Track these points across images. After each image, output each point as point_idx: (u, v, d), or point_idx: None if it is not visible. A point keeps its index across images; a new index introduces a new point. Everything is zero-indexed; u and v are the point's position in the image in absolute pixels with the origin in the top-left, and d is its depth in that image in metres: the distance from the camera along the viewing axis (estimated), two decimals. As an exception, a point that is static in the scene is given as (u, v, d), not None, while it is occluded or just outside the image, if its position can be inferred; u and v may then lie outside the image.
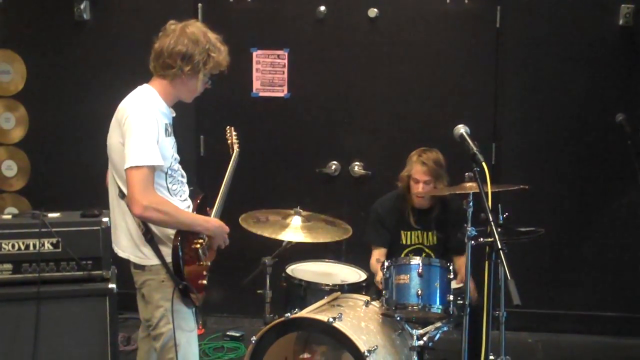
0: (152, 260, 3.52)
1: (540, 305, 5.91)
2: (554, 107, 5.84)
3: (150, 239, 3.50)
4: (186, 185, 3.72)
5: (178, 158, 3.65)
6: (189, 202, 3.69)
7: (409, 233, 4.99)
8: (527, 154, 5.93)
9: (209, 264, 3.72)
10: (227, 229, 3.72)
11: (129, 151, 3.35)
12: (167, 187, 3.54)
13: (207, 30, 3.60)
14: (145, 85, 3.59)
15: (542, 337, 5.95)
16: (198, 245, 3.61)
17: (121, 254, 3.63)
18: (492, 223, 3.40)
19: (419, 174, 4.81)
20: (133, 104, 3.45)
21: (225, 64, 3.63)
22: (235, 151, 4.30)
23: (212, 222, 3.68)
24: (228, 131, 4.40)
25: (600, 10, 5.68)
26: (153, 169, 3.39)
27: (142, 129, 3.37)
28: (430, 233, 4.96)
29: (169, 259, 3.50)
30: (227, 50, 3.64)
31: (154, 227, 3.50)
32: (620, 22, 5.62)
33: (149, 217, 3.39)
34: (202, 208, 3.76)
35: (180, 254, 3.46)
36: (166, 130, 3.52)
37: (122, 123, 3.42)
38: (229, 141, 4.36)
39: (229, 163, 4.17)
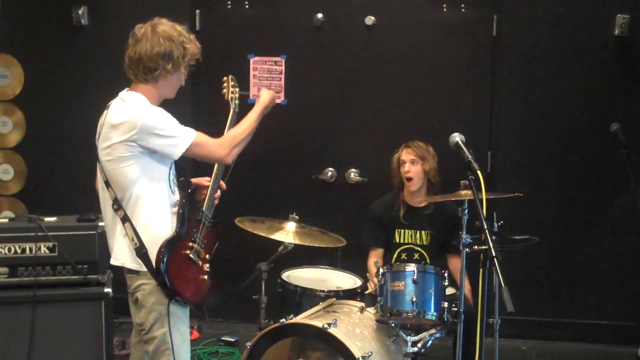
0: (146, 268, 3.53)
1: (534, 312, 5.93)
2: (549, 116, 5.87)
3: (144, 254, 3.50)
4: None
5: None
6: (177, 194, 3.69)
7: (401, 231, 5.04)
8: (523, 163, 5.95)
9: (207, 257, 3.74)
10: (272, 92, 4.04)
11: (174, 141, 3.47)
12: (169, 181, 3.60)
13: (174, 23, 3.63)
14: (129, 92, 3.59)
15: (536, 344, 5.96)
16: (188, 251, 3.63)
17: (113, 261, 3.60)
18: (486, 231, 3.42)
19: (404, 154, 5.01)
20: (138, 110, 3.45)
21: (199, 52, 3.68)
22: (232, 108, 4.07)
23: (267, 99, 3.96)
24: (225, 82, 4.12)
25: (597, 20, 5.71)
26: (196, 133, 3.56)
27: (164, 120, 3.47)
28: (423, 232, 5.00)
29: None
30: (194, 38, 3.69)
31: (147, 242, 3.50)
32: (616, 32, 5.64)
33: (236, 155, 3.72)
34: (192, 198, 3.74)
35: (164, 268, 3.45)
36: None
37: (132, 133, 3.40)
38: (227, 96, 4.09)
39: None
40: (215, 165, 3.90)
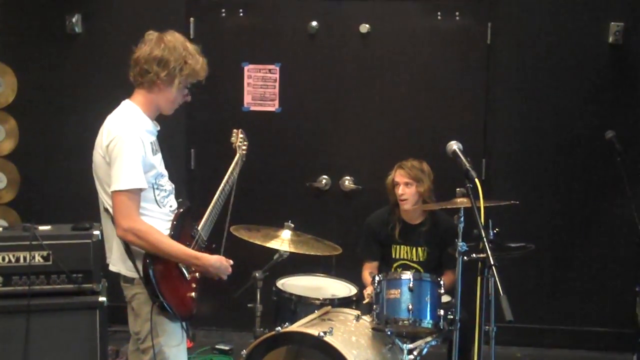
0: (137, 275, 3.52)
1: (529, 320, 5.91)
2: (544, 124, 5.88)
3: (130, 255, 3.49)
4: (173, 196, 3.72)
5: (165, 174, 3.67)
6: (166, 208, 3.66)
7: (398, 247, 5.04)
8: (517, 170, 5.96)
9: (196, 276, 3.71)
10: (226, 263, 3.70)
11: (114, 175, 3.39)
12: (155, 199, 3.56)
13: (186, 40, 3.62)
14: (127, 101, 3.60)
15: (531, 351, 5.97)
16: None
17: (112, 267, 3.62)
18: (484, 239, 3.41)
19: (398, 176, 4.96)
20: (119, 126, 3.45)
21: (203, 74, 3.64)
22: (237, 154, 4.21)
23: (203, 259, 3.61)
24: (234, 134, 4.28)
25: (591, 28, 5.73)
26: (138, 191, 3.42)
27: (127, 152, 3.39)
28: (419, 249, 5.00)
29: None
30: (206, 62, 3.64)
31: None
32: (610, 40, 5.67)
33: (130, 241, 3.43)
34: (183, 220, 3.71)
35: (151, 271, 3.44)
36: (152, 149, 3.55)
37: (107, 144, 3.43)
38: (234, 145, 4.25)
39: (223, 175, 4.07)
40: (218, 190, 3.95)
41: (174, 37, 3.58)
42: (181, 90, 3.61)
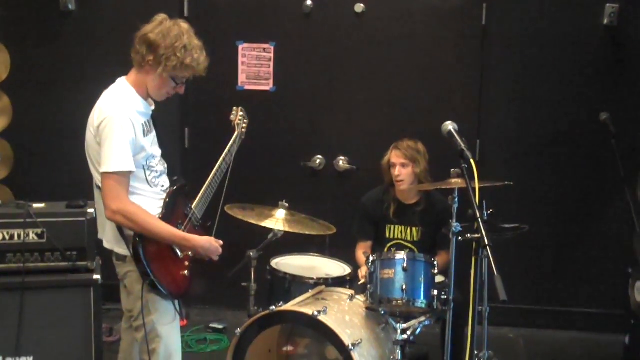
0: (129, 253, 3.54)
1: (521, 300, 5.95)
2: (538, 105, 5.88)
3: (123, 233, 3.51)
4: (166, 176, 3.73)
5: (158, 154, 3.68)
6: (157, 188, 3.68)
7: (392, 227, 5.05)
8: (511, 151, 5.96)
9: (190, 254, 3.71)
10: (216, 244, 3.71)
11: (104, 156, 3.39)
12: (147, 180, 3.57)
13: (190, 34, 3.54)
14: (122, 79, 3.60)
15: (523, 332, 6.00)
16: None
17: (106, 244, 3.64)
18: (479, 219, 3.42)
19: (394, 157, 4.95)
20: (110, 107, 3.44)
21: (192, 71, 3.57)
22: (236, 132, 4.17)
23: (192, 240, 3.62)
24: (234, 111, 4.25)
25: (586, 9, 5.72)
26: (127, 174, 3.42)
27: (117, 134, 3.38)
28: (413, 229, 5.01)
29: None
30: (204, 61, 3.59)
31: None
32: (605, 21, 5.66)
33: (118, 222, 3.44)
34: (176, 198, 3.72)
35: (141, 249, 3.45)
36: (144, 130, 3.54)
37: (97, 125, 3.43)
38: (233, 123, 4.22)
39: (217, 154, 4.06)
40: (215, 168, 3.94)
41: (175, 26, 3.52)
42: (167, 80, 3.56)
